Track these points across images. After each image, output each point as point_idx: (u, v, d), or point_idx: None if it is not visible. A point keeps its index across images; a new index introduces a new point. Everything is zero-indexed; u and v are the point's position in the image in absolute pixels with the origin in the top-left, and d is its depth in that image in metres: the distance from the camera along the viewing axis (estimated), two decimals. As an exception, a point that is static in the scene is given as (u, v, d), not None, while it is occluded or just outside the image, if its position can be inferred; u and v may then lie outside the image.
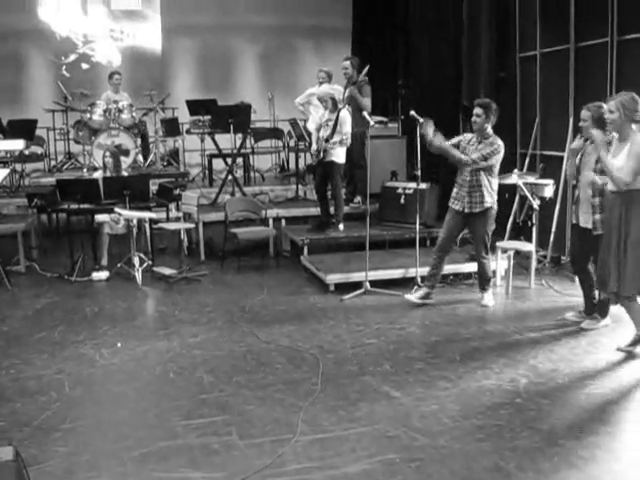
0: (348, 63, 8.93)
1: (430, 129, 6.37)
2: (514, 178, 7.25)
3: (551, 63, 8.35)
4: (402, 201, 8.58)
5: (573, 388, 4.62)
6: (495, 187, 6.43)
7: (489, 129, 6.33)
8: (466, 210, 6.39)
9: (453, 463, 3.68)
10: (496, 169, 6.39)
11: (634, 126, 4.99)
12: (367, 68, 8.65)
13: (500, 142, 6.31)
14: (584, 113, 5.62)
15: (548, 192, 7.36)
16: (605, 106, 5.27)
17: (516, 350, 5.35)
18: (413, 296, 6.59)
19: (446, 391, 4.62)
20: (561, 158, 8.02)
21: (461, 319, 6.20)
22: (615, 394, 4.54)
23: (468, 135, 6.51)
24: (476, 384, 4.73)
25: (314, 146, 8.26)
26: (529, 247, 7.21)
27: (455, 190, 6.49)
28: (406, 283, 7.02)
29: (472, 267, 7.17)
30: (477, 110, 6.29)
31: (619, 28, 7.13)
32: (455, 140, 6.48)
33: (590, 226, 5.55)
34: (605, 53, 7.28)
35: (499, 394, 4.55)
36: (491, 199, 6.38)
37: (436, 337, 5.71)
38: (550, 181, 7.42)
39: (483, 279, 6.65)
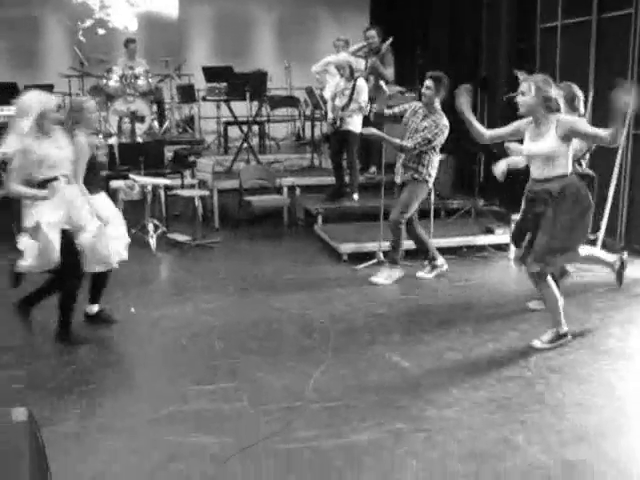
0: (374, 32, 8.84)
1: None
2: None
3: (572, 35, 8.21)
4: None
5: (582, 362, 4.62)
6: (435, 164, 6.31)
7: (437, 104, 6.18)
8: (399, 181, 6.38)
9: (461, 434, 3.70)
10: (438, 147, 6.28)
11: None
12: (391, 39, 8.56)
13: (445, 122, 6.15)
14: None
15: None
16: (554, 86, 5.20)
17: (528, 323, 5.35)
18: (427, 274, 6.61)
19: (456, 363, 4.63)
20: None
21: (474, 291, 6.19)
22: (625, 369, 4.53)
23: (417, 104, 6.38)
24: (486, 356, 4.74)
25: (330, 114, 8.21)
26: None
27: (396, 165, 6.45)
28: (419, 254, 7.01)
29: (486, 239, 7.14)
30: (428, 82, 6.14)
31: (643, -1, 7.00)
32: (400, 109, 6.40)
33: None
34: (628, 25, 7.15)
35: (509, 367, 4.56)
36: (425, 172, 6.25)
37: (448, 309, 5.72)
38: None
39: (391, 250, 6.49)
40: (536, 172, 4.70)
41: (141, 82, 10.53)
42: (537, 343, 4.88)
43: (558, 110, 4.62)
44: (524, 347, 4.88)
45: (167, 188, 8.23)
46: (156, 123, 10.83)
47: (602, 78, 7.72)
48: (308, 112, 11.34)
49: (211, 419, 3.88)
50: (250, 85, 9.49)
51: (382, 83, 7.32)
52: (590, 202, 4.71)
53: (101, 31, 12.45)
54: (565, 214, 4.58)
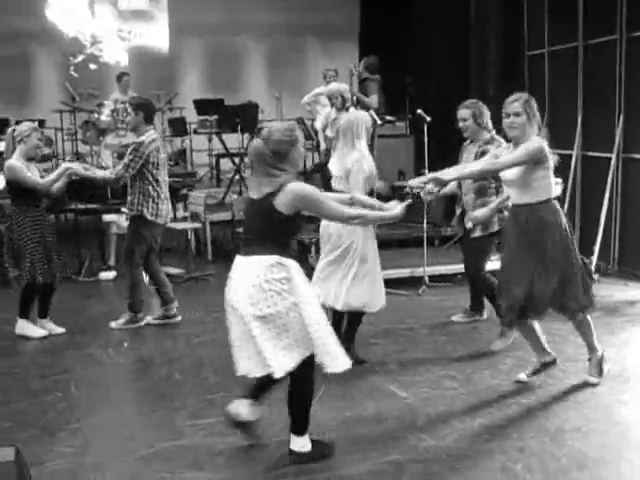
0: (365, 60, 8.94)
1: None
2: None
3: (560, 61, 8.29)
4: (409, 200, 8.51)
5: (581, 388, 4.57)
6: None
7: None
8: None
9: (459, 464, 3.65)
10: None
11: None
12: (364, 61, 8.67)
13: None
14: (463, 112, 5.46)
15: (556, 191, 7.29)
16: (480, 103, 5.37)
17: (524, 350, 5.29)
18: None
19: (453, 391, 4.59)
20: (570, 156, 7.97)
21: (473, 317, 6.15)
22: (624, 394, 4.49)
23: None
24: (484, 384, 4.70)
25: (322, 145, 8.23)
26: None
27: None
28: (414, 282, 6.99)
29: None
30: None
31: (628, 25, 7.08)
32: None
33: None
34: (614, 50, 7.22)
35: (507, 394, 4.51)
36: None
37: (444, 337, 5.68)
38: (558, 180, 7.35)
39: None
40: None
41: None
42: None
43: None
44: (522, 374, 4.83)
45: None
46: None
47: (590, 103, 7.78)
48: (299, 143, 11.35)
49: (205, 454, 3.81)
50: (241, 117, 9.53)
51: (372, 112, 7.36)
52: None
53: (92, 66, 12.50)
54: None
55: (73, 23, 12.46)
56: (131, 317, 5.99)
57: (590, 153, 7.84)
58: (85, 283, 7.48)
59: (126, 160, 5.81)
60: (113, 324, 5.99)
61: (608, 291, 6.81)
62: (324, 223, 5.05)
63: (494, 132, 5.41)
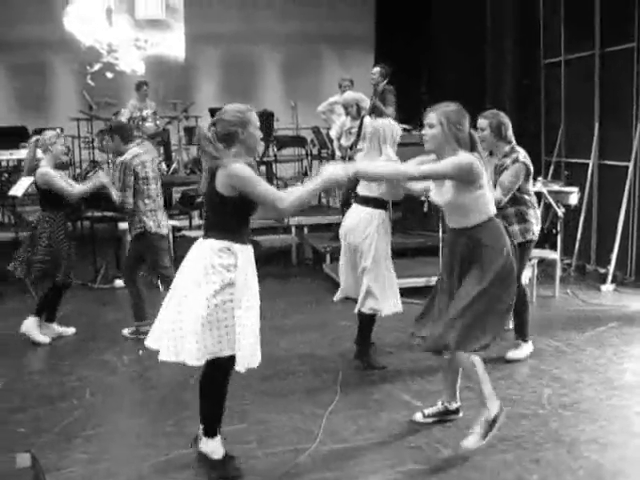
0: (377, 69, 8.92)
1: None
2: (538, 186, 7.16)
3: (576, 69, 8.27)
4: (425, 209, 8.52)
5: (597, 398, 4.54)
6: None
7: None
8: None
9: (475, 475, 3.62)
10: None
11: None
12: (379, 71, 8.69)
13: None
14: (481, 122, 5.16)
15: (573, 200, 7.26)
16: (502, 113, 5.16)
17: (540, 360, 5.27)
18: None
19: (468, 401, 4.55)
20: (586, 165, 7.93)
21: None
22: (641, 405, 4.45)
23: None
24: (499, 394, 4.64)
25: (338, 153, 8.24)
26: (554, 255, 7.12)
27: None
28: (428, 291, 6.93)
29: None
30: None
31: (645, 33, 7.05)
32: None
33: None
34: (631, 59, 7.19)
35: (522, 405, 4.48)
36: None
37: (458, 346, 5.64)
38: (575, 189, 7.33)
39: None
40: None
41: (149, 124, 10.62)
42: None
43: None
44: (537, 384, 4.80)
45: (175, 229, 8.23)
46: (164, 165, 10.89)
47: (607, 112, 7.75)
48: (315, 151, 11.39)
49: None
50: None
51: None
52: None
53: (109, 75, 12.59)
54: None
55: (90, 32, 12.57)
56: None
57: (607, 162, 7.80)
58: (100, 290, 7.51)
59: (119, 184, 5.87)
60: (125, 331, 6.02)
61: (626, 301, 6.77)
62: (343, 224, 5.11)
63: (514, 144, 5.21)
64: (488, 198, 3.86)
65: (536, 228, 5.26)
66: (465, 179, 3.74)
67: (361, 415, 4.36)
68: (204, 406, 3.72)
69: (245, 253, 3.61)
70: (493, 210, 3.89)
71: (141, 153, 5.97)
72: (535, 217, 5.26)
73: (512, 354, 5.33)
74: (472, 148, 3.84)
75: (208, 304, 3.45)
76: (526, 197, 5.21)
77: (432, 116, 3.84)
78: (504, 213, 5.07)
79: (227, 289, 3.49)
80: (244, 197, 3.52)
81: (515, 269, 3.90)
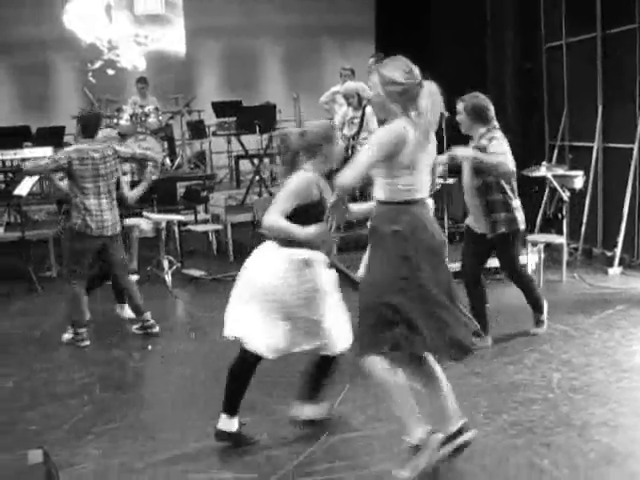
0: (371, 60, 8.90)
1: None
2: (543, 170, 7.14)
3: (578, 53, 8.22)
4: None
5: (607, 382, 4.53)
6: None
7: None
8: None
9: (486, 460, 3.63)
10: None
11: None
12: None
13: None
14: (458, 105, 5.10)
15: (578, 183, 7.23)
16: (481, 96, 5.03)
17: (548, 344, 5.27)
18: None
19: (477, 387, 4.56)
20: (590, 149, 7.90)
21: (491, 313, 6.10)
22: (651, 387, 4.45)
23: None
24: (508, 379, 4.67)
25: (341, 143, 8.21)
26: (560, 240, 7.10)
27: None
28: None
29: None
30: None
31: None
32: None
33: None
34: (633, 40, 7.14)
35: (531, 389, 4.48)
36: None
37: (467, 333, 5.63)
38: (580, 172, 7.30)
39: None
40: None
41: (151, 120, 10.63)
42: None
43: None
44: (546, 369, 4.80)
45: (181, 224, 8.25)
46: (168, 160, 10.91)
47: (610, 94, 7.70)
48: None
49: (232, 454, 3.83)
50: (260, 118, 9.56)
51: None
52: None
53: (110, 71, 12.61)
54: None
55: (90, 29, 12.59)
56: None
57: (611, 144, 7.76)
58: (108, 286, 7.52)
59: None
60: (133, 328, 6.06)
61: (633, 283, 6.76)
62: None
63: (493, 126, 5.05)
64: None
65: (521, 218, 5.17)
66: None
67: (370, 405, 4.36)
68: (227, 384, 3.97)
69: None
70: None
71: (83, 150, 5.62)
72: (518, 207, 5.16)
73: (534, 330, 5.48)
74: None
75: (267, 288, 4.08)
76: (507, 187, 5.08)
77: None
78: (491, 199, 5.06)
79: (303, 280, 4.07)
80: (307, 209, 3.85)
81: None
